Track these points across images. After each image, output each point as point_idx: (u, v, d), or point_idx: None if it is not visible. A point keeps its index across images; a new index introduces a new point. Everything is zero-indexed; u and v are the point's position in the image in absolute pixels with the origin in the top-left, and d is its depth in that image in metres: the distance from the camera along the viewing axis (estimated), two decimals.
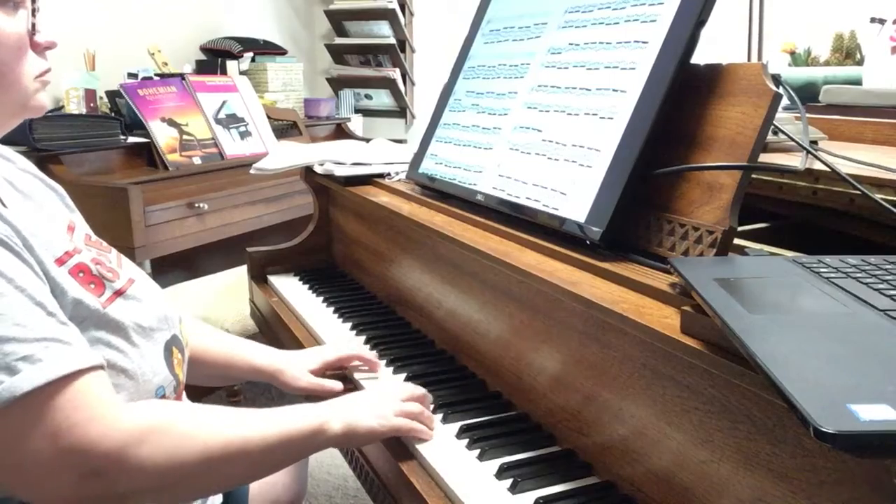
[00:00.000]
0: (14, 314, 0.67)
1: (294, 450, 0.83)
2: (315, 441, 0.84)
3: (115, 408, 0.71)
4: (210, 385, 1.76)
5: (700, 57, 0.88)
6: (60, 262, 0.77)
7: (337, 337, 1.26)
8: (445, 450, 0.88)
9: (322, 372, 1.09)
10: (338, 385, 1.06)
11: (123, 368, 0.78)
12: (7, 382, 0.65)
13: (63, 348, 0.69)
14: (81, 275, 0.78)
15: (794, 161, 0.95)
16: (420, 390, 0.95)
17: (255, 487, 1.09)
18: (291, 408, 0.85)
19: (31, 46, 0.80)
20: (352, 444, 0.92)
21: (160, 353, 0.84)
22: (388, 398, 0.91)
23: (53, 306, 0.71)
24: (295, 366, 1.08)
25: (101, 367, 0.73)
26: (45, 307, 0.70)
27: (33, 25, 0.80)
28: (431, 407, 0.95)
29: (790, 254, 0.81)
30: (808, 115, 0.98)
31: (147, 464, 0.70)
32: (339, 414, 0.86)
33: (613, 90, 0.93)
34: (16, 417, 0.66)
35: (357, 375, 1.10)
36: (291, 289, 1.52)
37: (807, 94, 1.51)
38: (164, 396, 0.84)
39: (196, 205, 2.26)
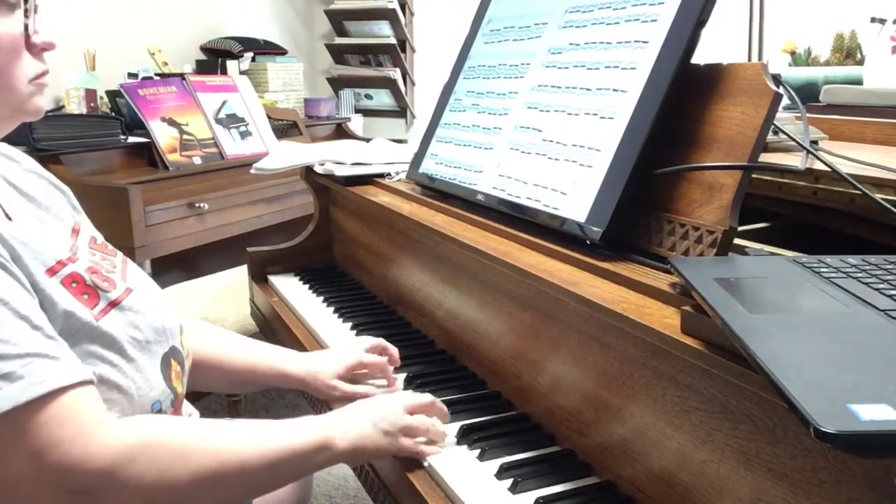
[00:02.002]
0: None
1: (297, 468, 0.80)
2: (319, 458, 0.81)
3: (103, 424, 0.69)
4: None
5: (700, 57, 0.88)
6: (52, 271, 0.74)
7: (344, 337, 1.26)
8: (446, 450, 0.88)
9: (348, 376, 1.06)
10: (376, 391, 1.04)
11: (116, 384, 0.76)
12: None
13: (48, 364, 0.67)
14: (74, 285, 0.76)
15: (795, 161, 0.95)
16: (427, 398, 0.91)
17: None
18: (294, 421, 0.83)
19: (27, 48, 0.78)
20: (360, 461, 0.90)
21: (157, 367, 0.82)
22: (395, 412, 0.87)
23: (40, 319, 0.69)
24: (325, 372, 1.05)
25: (89, 382, 0.70)
26: (30, 320, 0.68)
27: (26, 26, 0.77)
28: (447, 417, 0.93)
29: (790, 254, 0.81)
30: (808, 114, 0.98)
31: (136, 483, 0.68)
32: (345, 430, 0.83)
33: (614, 90, 0.93)
34: None
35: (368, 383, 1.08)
36: (292, 289, 1.52)
37: (807, 94, 1.51)
38: (160, 411, 0.81)
39: (196, 205, 2.26)
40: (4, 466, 0.65)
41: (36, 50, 0.79)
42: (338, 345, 1.22)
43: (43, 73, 0.80)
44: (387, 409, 0.88)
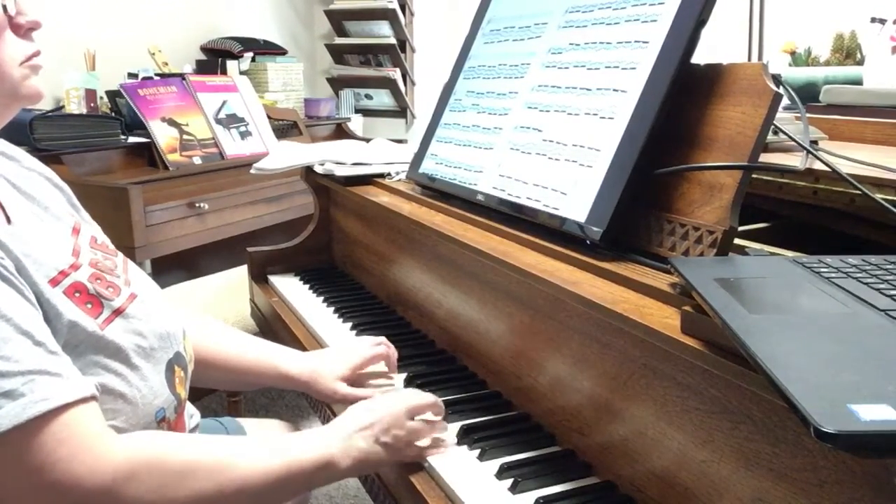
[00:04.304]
0: None
1: (297, 486, 0.79)
2: (321, 475, 0.80)
3: (103, 441, 0.68)
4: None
5: (700, 57, 0.88)
6: (55, 282, 0.73)
7: (344, 337, 1.26)
8: (445, 450, 0.88)
9: (352, 377, 1.05)
10: (374, 394, 1.02)
11: (122, 393, 0.75)
12: None
13: (50, 381, 0.66)
14: (77, 295, 0.75)
15: (795, 161, 0.95)
16: (430, 398, 0.91)
17: None
18: (295, 438, 0.82)
19: (12, 30, 0.76)
20: (364, 473, 0.89)
21: (161, 374, 0.81)
22: (397, 420, 0.86)
23: (42, 334, 0.68)
24: (328, 374, 1.04)
25: (91, 398, 0.70)
26: (33, 336, 0.67)
27: (4, 7, 0.75)
28: (443, 413, 0.93)
29: (790, 254, 0.81)
30: (808, 114, 0.98)
31: (135, 502, 0.67)
32: (347, 448, 0.82)
33: (614, 90, 0.93)
34: None
35: (371, 382, 1.08)
36: (292, 289, 1.52)
37: (807, 94, 1.51)
38: (164, 418, 0.81)
39: (196, 205, 2.26)
40: (4, 485, 0.65)
41: (22, 31, 0.77)
42: (340, 343, 1.21)
43: (34, 55, 0.78)
44: (389, 418, 0.85)
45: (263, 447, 0.79)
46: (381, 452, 0.84)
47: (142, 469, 0.69)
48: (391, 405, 0.87)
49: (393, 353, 1.09)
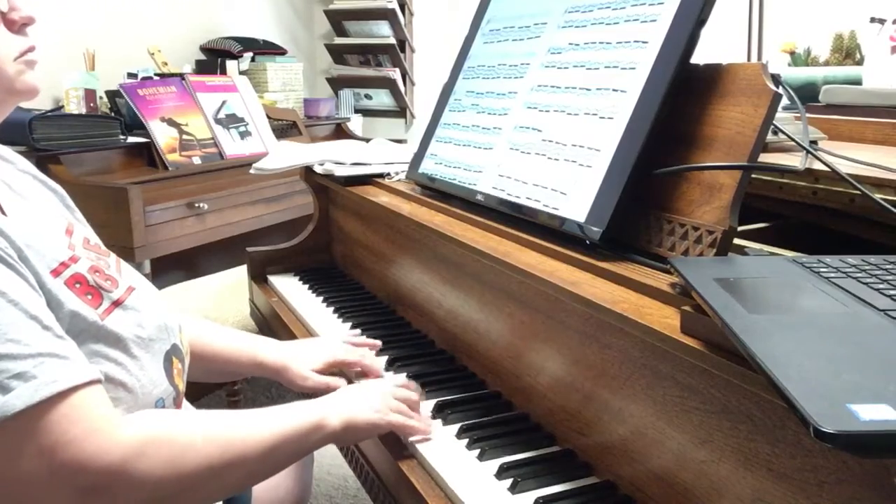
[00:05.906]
0: (7, 330, 0.66)
1: (293, 448, 0.83)
2: (314, 437, 0.83)
3: (112, 421, 0.70)
4: (212, 380, 1.73)
5: (700, 57, 0.88)
6: (56, 273, 0.75)
7: (336, 333, 1.26)
8: (445, 450, 0.88)
9: (326, 371, 1.08)
10: (343, 383, 1.06)
11: (122, 382, 0.76)
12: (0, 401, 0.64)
13: (58, 363, 0.67)
14: (78, 286, 0.76)
15: (794, 161, 0.95)
16: (403, 379, 0.97)
17: (259, 490, 1.09)
18: (288, 406, 0.85)
19: (6, 25, 0.76)
20: (351, 439, 0.92)
21: (160, 365, 0.82)
22: (381, 392, 0.92)
23: (49, 319, 0.70)
24: (300, 363, 1.07)
25: (97, 381, 0.71)
26: (41, 321, 0.68)
27: None
28: (423, 397, 0.99)
29: (790, 254, 0.81)
30: (807, 114, 0.98)
31: (147, 476, 0.69)
32: (336, 409, 0.86)
33: (613, 90, 0.93)
34: (10, 436, 0.65)
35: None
36: (291, 289, 1.52)
37: (807, 94, 1.51)
38: (163, 408, 0.82)
39: (196, 205, 2.26)
40: (17, 465, 0.66)
41: (16, 27, 0.78)
42: (323, 336, 1.24)
43: (29, 49, 0.79)
44: (373, 387, 0.93)
45: (259, 416, 0.82)
46: (368, 413, 0.88)
47: (150, 445, 0.71)
48: (374, 383, 0.98)
49: (370, 363, 1.10)
